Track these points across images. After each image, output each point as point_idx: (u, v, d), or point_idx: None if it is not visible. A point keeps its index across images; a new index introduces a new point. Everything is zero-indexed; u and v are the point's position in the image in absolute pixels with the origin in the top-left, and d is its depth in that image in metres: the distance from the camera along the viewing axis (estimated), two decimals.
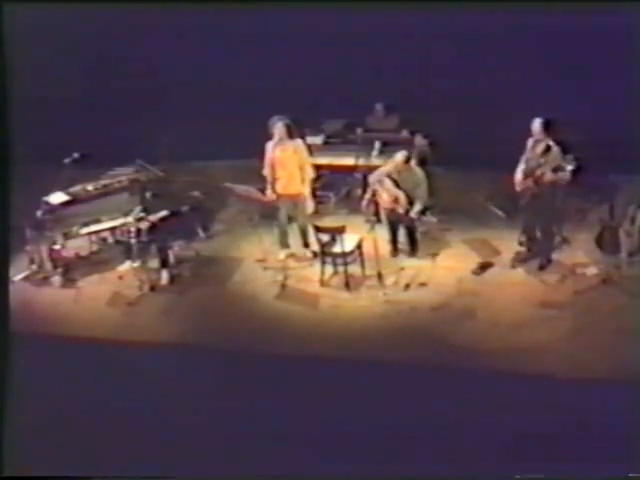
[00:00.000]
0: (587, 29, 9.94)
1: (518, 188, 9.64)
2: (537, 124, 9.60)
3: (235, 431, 7.66)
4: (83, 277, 10.22)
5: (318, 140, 11.18)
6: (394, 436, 7.50)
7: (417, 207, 9.83)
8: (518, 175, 9.63)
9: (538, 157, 9.51)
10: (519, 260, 9.84)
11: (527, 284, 9.55)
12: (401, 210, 9.85)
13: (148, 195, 10.07)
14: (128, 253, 10.04)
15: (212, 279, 10.13)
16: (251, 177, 10.43)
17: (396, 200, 9.84)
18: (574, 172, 9.55)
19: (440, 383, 7.92)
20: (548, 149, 9.48)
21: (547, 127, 9.57)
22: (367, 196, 10.04)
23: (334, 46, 10.85)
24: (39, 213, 10.10)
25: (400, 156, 9.86)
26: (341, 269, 9.73)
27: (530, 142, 9.67)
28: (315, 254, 10.13)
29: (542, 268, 9.70)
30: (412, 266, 9.95)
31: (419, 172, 9.96)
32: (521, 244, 9.97)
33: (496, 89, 10.68)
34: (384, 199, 9.93)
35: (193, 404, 7.99)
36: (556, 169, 9.45)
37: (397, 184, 9.83)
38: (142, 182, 10.36)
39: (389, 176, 9.85)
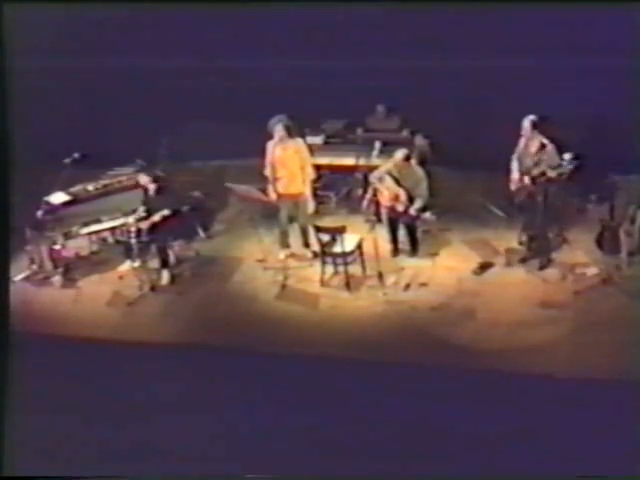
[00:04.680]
0: (587, 28, 9.94)
1: (513, 187, 9.67)
2: (526, 122, 9.61)
3: (235, 431, 7.66)
4: (83, 277, 10.23)
5: (318, 140, 11.19)
6: (394, 436, 7.50)
7: (417, 204, 9.83)
8: (514, 174, 9.64)
9: (533, 155, 9.54)
10: (519, 260, 9.85)
11: (527, 284, 9.55)
12: (401, 208, 9.86)
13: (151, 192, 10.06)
14: (128, 253, 10.04)
15: (212, 279, 10.13)
16: (251, 177, 10.43)
17: (396, 198, 9.85)
18: (574, 171, 9.55)
19: (440, 383, 7.92)
20: (542, 147, 9.50)
21: (536, 125, 9.57)
22: (367, 196, 10.04)
23: (334, 46, 10.85)
24: (39, 213, 10.10)
25: (400, 154, 9.88)
26: (341, 269, 9.73)
27: (522, 141, 9.68)
28: (315, 254, 10.13)
29: (542, 268, 9.70)
30: (412, 266, 9.95)
31: (419, 170, 9.98)
32: (521, 244, 9.98)
33: (496, 89, 10.68)
34: (384, 196, 9.94)
35: (193, 404, 7.99)
36: (555, 167, 9.45)
37: (398, 182, 9.85)
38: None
39: (390, 174, 9.86)
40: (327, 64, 10.97)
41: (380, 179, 9.88)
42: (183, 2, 11.03)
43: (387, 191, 9.89)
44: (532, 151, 9.55)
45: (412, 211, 9.85)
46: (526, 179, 9.53)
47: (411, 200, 9.85)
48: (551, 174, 9.43)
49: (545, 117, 9.59)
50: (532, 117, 9.60)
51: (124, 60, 11.33)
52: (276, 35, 10.90)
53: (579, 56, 10.05)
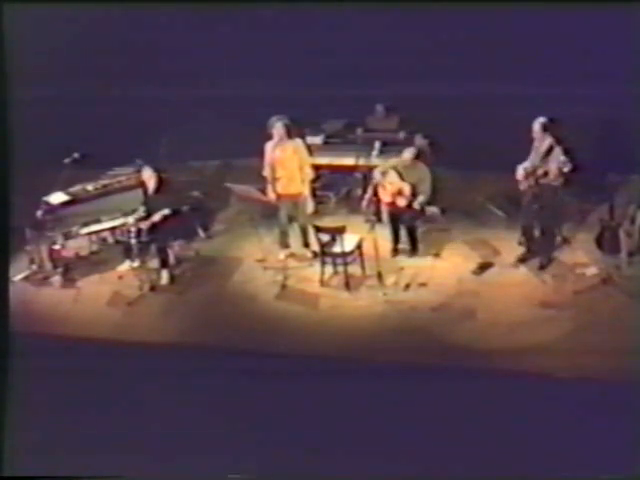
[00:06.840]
0: (587, 28, 9.93)
1: (520, 185, 9.63)
2: (537, 125, 9.57)
3: (235, 431, 7.66)
4: (83, 277, 10.22)
5: (318, 140, 11.19)
6: (393, 436, 7.50)
7: (421, 198, 9.82)
8: (520, 171, 9.60)
9: (541, 157, 9.52)
10: (519, 260, 9.85)
11: (527, 284, 9.55)
12: (404, 202, 9.84)
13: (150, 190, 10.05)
14: (128, 253, 10.04)
15: (212, 279, 10.13)
16: (251, 177, 10.44)
17: (399, 192, 9.84)
18: (574, 171, 9.55)
19: (440, 383, 7.92)
20: (551, 149, 9.48)
21: (547, 127, 9.54)
22: (367, 195, 10.04)
23: (334, 46, 10.85)
24: (39, 213, 10.08)
25: (408, 153, 9.89)
26: (341, 269, 9.73)
27: (536, 143, 9.64)
28: (315, 254, 10.13)
29: (542, 268, 9.70)
30: (412, 266, 9.95)
31: (424, 168, 9.97)
32: (520, 244, 9.98)
33: (496, 89, 10.67)
34: (386, 191, 9.93)
35: (193, 404, 7.99)
36: (558, 168, 9.45)
37: (401, 177, 9.85)
38: (142, 182, 10.33)
39: (394, 169, 9.87)
40: (327, 64, 10.99)
41: (384, 173, 9.88)
42: (183, 1, 11.03)
43: (390, 185, 9.87)
44: (542, 152, 9.52)
45: (416, 205, 9.84)
46: (530, 179, 9.51)
47: (414, 195, 9.84)
48: (553, 174, 9.43)
49: (554, 119, 9.54)
50: (542, 119, 9.54)
51: (124, 60, 11.35)
52: (276, 34, 10.89)
53: (580, 55, 10.08)
